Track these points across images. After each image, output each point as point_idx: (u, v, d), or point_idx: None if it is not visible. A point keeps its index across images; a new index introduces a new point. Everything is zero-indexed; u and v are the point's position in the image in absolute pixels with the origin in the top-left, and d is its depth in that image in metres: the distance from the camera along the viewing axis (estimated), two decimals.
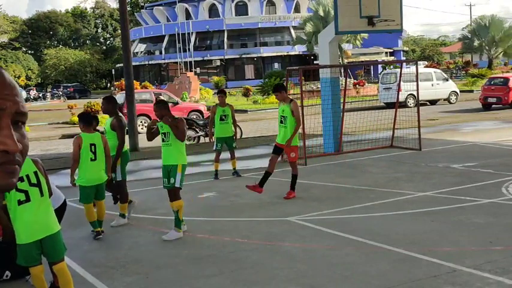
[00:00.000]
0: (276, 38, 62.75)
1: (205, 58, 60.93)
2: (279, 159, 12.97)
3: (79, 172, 7.18)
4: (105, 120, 8.89)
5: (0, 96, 0.95)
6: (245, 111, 28.50)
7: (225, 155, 11.43)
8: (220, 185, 10.54)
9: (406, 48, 70.10)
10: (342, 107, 13.67)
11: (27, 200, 4.69)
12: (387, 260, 5.93)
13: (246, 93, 35.48)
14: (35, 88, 63.10)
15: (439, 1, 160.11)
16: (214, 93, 42.76)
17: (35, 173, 4.74)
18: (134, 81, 19.08)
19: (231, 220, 7.99)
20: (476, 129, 17.08)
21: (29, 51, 79.27)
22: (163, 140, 7.26)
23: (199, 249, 6.72)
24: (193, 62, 56.82)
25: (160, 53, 64.20)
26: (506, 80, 23.64)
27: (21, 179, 4.64)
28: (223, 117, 10.95)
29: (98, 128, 7.65)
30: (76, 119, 26.16)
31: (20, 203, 4.68)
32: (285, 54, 60.59)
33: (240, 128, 10.78)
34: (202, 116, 21.95)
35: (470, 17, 72.17)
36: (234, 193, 9.64)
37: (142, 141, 16.92)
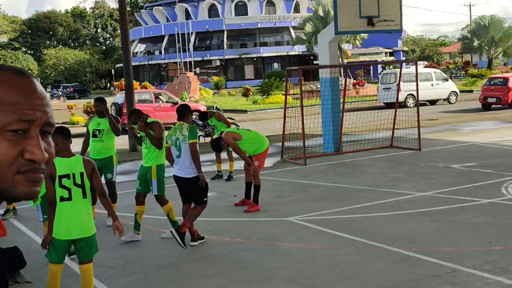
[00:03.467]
0: (275, 38, 62.74)
1: (205, 58, 60.93)
2: (280, 159, 13.01)
3: None
4: (85, 121, 8.96)
5: (31, 106, 0.96)
6: (245, 111, 28.49)
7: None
8: (220, 185, 10.55)
9: (405, 48, 70.06)
10: (341, 107, 13.68)
11: (69, 198, 4.77)
12: (387, 260, 5.94)
13: (246, 94, 35.45)
14: None
15: (439, 1, 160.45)
16: (214, 93, 42.94)
17: (81, 174, 4.79)
18: (134, 81, 19.07)
19: (231, 220, 8.00)
20: (476, 129, 17.08)
21: (29, 51, 79.21)
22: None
23: (199, 249, 6.73)
24: (193, 62, 56.81)
25: (160, 53, 64.20)
26: (506, 80, 23.63)
27: (67, 176, 4.77)
28: None
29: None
30: (75, 119, 26.20)
31: (62, 199, 4.77)
32: (285, 54, 60.61)
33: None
34: None
35: (470, 17, 72.25)
36: (234, 193, 9.64)
37: None
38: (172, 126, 7.14)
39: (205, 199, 6.79)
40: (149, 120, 7.35)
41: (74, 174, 4.76)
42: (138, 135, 7.53)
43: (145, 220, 8.22)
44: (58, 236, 4.82)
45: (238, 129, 9.53)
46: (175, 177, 6.89)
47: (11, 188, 0.95)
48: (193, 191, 6.74)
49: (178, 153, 6.72)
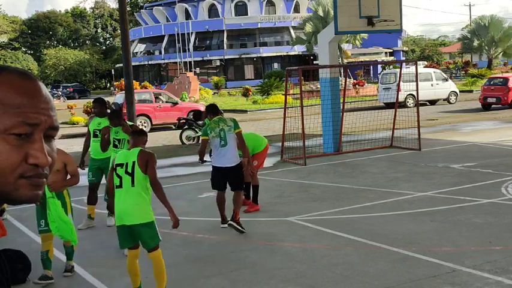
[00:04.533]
0: (275, 38, 62.74)
1: (204, 58, 60.92)
2: (280, 159, 13.01)
3: None
4: (85, 121, 8.89)
5: (36, 110, 0.95)
6: (245, 111, 28.49)
7: None
8: None
9: (405, 48, 70.04)
10: (341, 107, 13.68)
11: (120, 186, 5.03)
12: (387, 260, 5.94)
13: (246, 94, 35.45)
14: None
15: (439, 1, 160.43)
16: (214, 93, 42.94)
17: (133, 162, 5.02)
18: (134, 81, 19.06)
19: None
20: (476, 129, 17.09)
21: (29, 52, 79.16)
22: (116, 146, 7.46)
23: (199, 249, 6.73)
24: (192, 62, 56.80)
25: (160, 53, 64.19)
26: (506, 80, 23.63)
27: (121, 165, 5.06)
28: None
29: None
30: (75, 119, 26.15)
31: (116, 187, 5.07)
32: (285, 54, 60.59)
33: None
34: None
35: (470, 17, 72.25)
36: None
37: None
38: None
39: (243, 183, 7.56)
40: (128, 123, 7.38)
41: (127, 164, 5.02)
42: (106, 137, 7.44)
43: None
44: (116, 222, 5.18)
45: None
46: (218, 168, 7.32)
47: (13, 191, 0.95)
48: (235, 177, 7.29)
49: (223, 142, 7.19)
